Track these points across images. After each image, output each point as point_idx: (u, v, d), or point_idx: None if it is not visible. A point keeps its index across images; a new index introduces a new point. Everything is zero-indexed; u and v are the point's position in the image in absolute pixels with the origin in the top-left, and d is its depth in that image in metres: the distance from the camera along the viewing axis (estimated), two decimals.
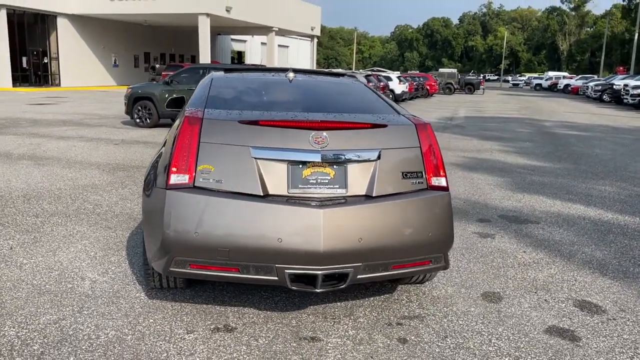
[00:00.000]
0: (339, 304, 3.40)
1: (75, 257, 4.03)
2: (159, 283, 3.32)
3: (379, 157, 2.95)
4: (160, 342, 2.82)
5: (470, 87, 44.26)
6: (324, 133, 2.88)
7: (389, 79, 28.21)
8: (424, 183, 3.04)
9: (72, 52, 32.30)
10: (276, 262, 2.73)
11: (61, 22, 31.71)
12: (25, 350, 2.67)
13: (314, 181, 2.85)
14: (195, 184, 2.80)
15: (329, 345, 2.88)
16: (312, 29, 42.49)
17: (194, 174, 2.81)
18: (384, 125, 3.05)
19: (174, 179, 2.80)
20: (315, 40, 45.38)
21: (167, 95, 13.28)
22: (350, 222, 2.76)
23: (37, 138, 10.59)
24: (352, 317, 3.22)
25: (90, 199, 5.81)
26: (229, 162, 2.81)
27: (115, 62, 35.94)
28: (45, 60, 31.81)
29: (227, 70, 4.28)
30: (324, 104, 3.47)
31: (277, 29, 37.03)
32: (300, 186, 2.84)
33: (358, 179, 2.90)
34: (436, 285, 3.80)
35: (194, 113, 3.00)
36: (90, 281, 3.58)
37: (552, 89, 53.68)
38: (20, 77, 30.27)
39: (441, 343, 2.96)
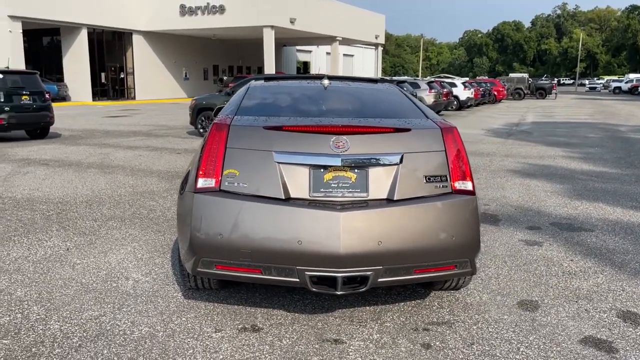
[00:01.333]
0: (367, 307, 3.42)
1: (123, 258, 4.27)
2: (194, 283, 3.47)
3: (401, 161, 2.95)
4: (189, 340, 2.94)
5: (541, 92, 42.64)
6: (345, 137, 2.92)
7: (453, 85, 27.71)
8: (448, 187, 3.01)
9: (146, 67, 33.98)
10: (297, 264, 2.79)
11: (136, 39, 33.46)
12: (65, 343, 2.88)
13: (336, 185, 2.90)
14: (221, 188, 2.92)
15: (351, 347, 2.91)
16: (376, 37, 42.48)
17: (220, 178, 2.93)
18: (408, 130, 3.05)
19: (202, 182, 2.94)
20: (380, 48, 45.31)
21: None
22: (370, 225, 2.79)
23: (107, 148, 11.23)
24: (379, 321, 3.23)
25: (146, 204, 6.12)
26: (253, 166, 2.91)
27: (185, 76, 37.45)
28: (122, 75, 33.65)
29: (267, 79, 4.41)
30: (353, 109, 3.52)
31: (340, 39, 37.32)
32: (321, 190, 2.89)
33: (380, 183, 2.92)
34: (471, 292, 3.72)
35: (222, 120, 3.13)
36: (133, 281, 3.78)
37: (633, 92, 50.78)
38: (99, 91, 32.17)
39: (466, 350, 2.91)
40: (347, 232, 2.75)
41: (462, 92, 28.02)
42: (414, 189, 2.94)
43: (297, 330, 3.09)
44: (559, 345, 2.97)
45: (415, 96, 18.93)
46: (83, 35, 30.14)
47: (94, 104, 29.51)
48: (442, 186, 3.00)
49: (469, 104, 28.82)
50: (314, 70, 51.06)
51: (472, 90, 28.79)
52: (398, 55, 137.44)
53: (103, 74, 32.52)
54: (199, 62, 38.33)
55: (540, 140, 13.87)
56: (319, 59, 51.66)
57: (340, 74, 47.00)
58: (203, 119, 14.05)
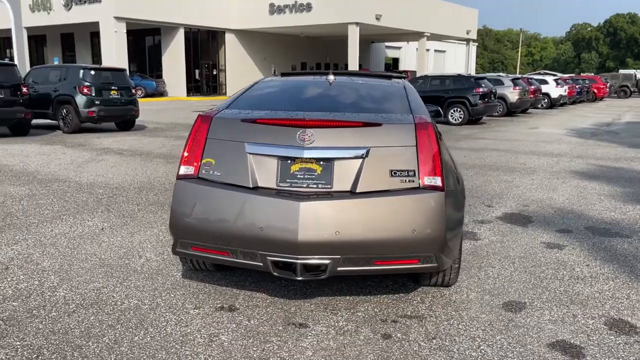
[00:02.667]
0: (347, 297, 3.52)
1: (146, 239, 4.65)
2: (191, 264, 3.75)
3: (366, 155, 3.03)
4: (167, 313, 3.22)
5: None
6: (311, 131, 3.05)
7: (544, 82, 26.36)
8: (416, 182, 3.04)
9: (237, 64, 35.41)
10: (259, 249, 2.96)
11: (229, 37, 34.95)
12: (62, 308, 3.25)
13: (301, 176, 3.03)
14: (199, 176, 3.16)
15: (312, 332, 3.04)
16: (467, 33, 41.25)
17: (199, 166, 3.17)
18: (378, 124, 3.12)
19: (183, 170, 3.19)
20: (472, 44, 43.96)
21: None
22: (328, 215, 2.90)
23: (182, 140, 11.97)
24: (351, 311, 3.32)
25: None
26: (227, 156, 3.12)
27: (274, 72, 38.58)
28: (215, 72, 35.32)
29: (283, 74, 4.63)
30: (341, 104, 3.62)
31: (428, 34, 36.67)
32: (288, 180, 3.04)
33: (344, 175, 3.02)
34: (461, 289, 3.70)
35: (208, 113, 3.37)
36: (145, 259, 4.14)
37: None
38: (193, 87, 34.02)
39: (424, 343, 2.94)
40: (305, 221, 2.88)
41: (554, 90, 26.60)
42: (378, 183, 3.01)
43: (269, 312, 3.27)
44: (523, 347, 2.92)
45: (494, 93, 18.27)
46: (180, 35, 31.98)
47: (187, 99, 31.27)
48: (409, 181, 3.04)
49: (561, 102, 27.30)
50: (402, 66, 50.56)
51: (565, 87, 27.22)
52: (497, 50, 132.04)
53: (197, 71, 34.32)
54: (287, 59, 39.28)
55: (625, 141, 12.96)
56: (408, 55, 51.06)
57: (430, 70, 46.15)
58: None
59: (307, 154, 3.01)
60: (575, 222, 5.52)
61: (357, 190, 2.99)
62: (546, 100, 26.50)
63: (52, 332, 2.94)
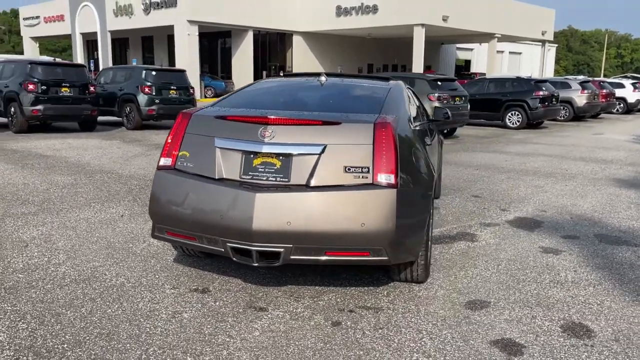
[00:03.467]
0: (315, 287, 3.71)
1: None
2: (181, 249, 4.07)
3: (323, 151, 3.21)
4: (145, 292, 3.54)
5: None
6: (272, 127, 3.27)
7: (620, 85, 25.00)
8: (369, 178, 3.19)
9: (303, 65, 36.01)
10: (220, 236, 3.22)
11: (296, 39, 35.64)
12: (58, 282, 3.66)
13: (262, 170, 3.26)
14: (175, 167, 3.46)
15: (267, 315, 3.25)
16: (542, 34, 39.69)
17: (176, 158, 3.47)
18: (337, 123, 3.29)
19: (162, 161, 3.51)
20: (547, 45, 42.26)
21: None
22: (281, 206, 3.11)
23: None
24: (315, 299, 3.51)
25: None
26: (199, 150, 3.40)
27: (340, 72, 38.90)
28: (282, 74, 36.12)
29: (286, 75, 4.89)
30: (318, 103, 3.82)
31: (499, 36, 35.66)
32: (250, 173, 3.28)
33: (300, 170, 3.21)
34: (432, 286, 3.79)
35: (190, 110, 3.67)
36: (147, 244, 4.51)
37: None
38: None
39: (369, 332, 3.08)
40: (259, 211, 3.11)
41: (631, 94, 25.18)
42: (332, 178, 3.18)
43: (237, 296, 3.52)
44: (465, 342, 3.00)
45: (556, 97, 17.60)
46: (249, 37, 33.00)
47: None
48: (363, 177, 3.19)
49: (638, 106, 25.77)
50: (474, 68, 49.36)
51: None
52: (583, 52, 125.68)
53: (264, 72, 35.25)
54: (354, 60, 39.47)
55: None
56: (481, 57, 49.79)
57: (504, 72, 44.75)
58: None
59: (266, 149, 3.24)
60: (588, 229, 5.38)
61: (311, 184, 3.17)
62: (622, 105, 25.13)
63: (40, 301, 3.34)
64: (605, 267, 4.28)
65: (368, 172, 3.20)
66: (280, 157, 3.25)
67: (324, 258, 3.20)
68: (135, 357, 2.73)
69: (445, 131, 14.42)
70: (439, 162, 6.16)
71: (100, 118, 14.13)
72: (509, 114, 17.10)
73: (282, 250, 3.15)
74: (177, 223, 3.37)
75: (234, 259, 3.27)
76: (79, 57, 38.19)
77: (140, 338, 2.92)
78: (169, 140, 3.53)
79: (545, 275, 4.06)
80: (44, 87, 12.12)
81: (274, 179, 3.24)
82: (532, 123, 17.20)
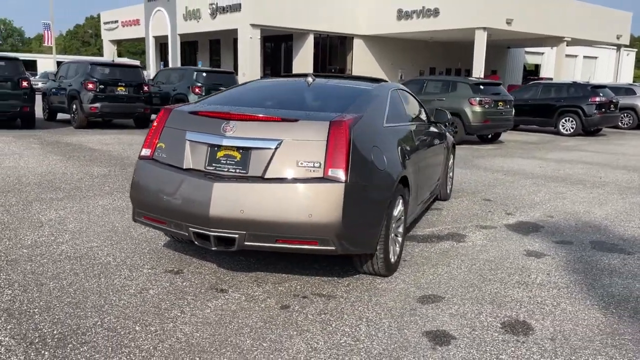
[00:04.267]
0: (282, 274, 3.94)
1: None
2: (171, 236, 4.42)
3: (278, 146, 3.44)
4: (124, 270, 3.90)
5: None
6: (234, 123, 3.53)
7: (631, 92, 23.25)
8: (320, 172, 3.38)
9: (363, 69, 36.15)
10: (184, 221, 3.52)
11: (356, 43, 35.84)
12: (54, 257, 4.09)
13: (225, 161, 3.53)
14: (153, 157, 3.80)
15: (224, 296, 3.52)
16: (617, 38, 37.76)
17: (154, 149, 3.81)
18: (295, 120, 3.50)
19: (143, 152, 3.86)
20: (623, 50, 40.16)
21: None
22: (235, 195, 3.37)
23: None
24: (276, 284, 3.74)
25: None
26: (173, 142, 3.72)
27: (401, 77, 38.68)
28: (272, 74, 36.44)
29: (282, 75, 5.17)
30: (294, 102, 4.06)
31: (569, 39, 34.27)
32: (213, 164, 3.55)
33: (257, 163, 3.45)
34: (395, 280, 3.93)
35: (171, 106, 4.00)
36: (145, 230, 4.90)
37: None
38: None
39: (311, 316, 3.28)
40: (216, 199, 3.38)
41: None
42: (285, 171, 3.40)
43: (205, 278, 3.81)
44: (399, 331, 3.13)
45: (615, 103, 16.81)
46: (310, 41, 33.55)
47: None
48: (314, 171, 3.39)
49: None
50: (544, 73, 47.62)
51: None
52: None
53: None
54: (415, 64, 39.16)
55: None
56: (551, 61, 47.96)
57: (576, 78, 42.92)
58: None
59: (226, 142, 3.51)
60: (587, 235, 5.29)
61: (266, 176, 3.41)
62: (632, 117, 23.43)
63: (31, 273, 3.78)
64: (583, 272, 4.24)
65: (320, 167, 3.39)
66: (240, 150, 3.51)
67: (276, 245, 3.43)
68: (91, 323, 3.07)
69: (490, 136, 14.21)
70: (444, 164, 6.21)
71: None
72: (563, 120, 16.55)
73: (236, 236, 3.41)
74: (151, 208, 3.70)
75: (196, 242, 3.56)
76: (152, 59, 40.23)
77: (103, 308, 3.27)
78: (150, 133, 3.88)
79: (514, 277, 4.09)
80: (102, 86, 13.03)
81: (234, 171, 3.50)
82: (588, 130, 16.55)
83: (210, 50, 41.95)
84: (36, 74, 38.47)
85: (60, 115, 15.23)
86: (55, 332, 2.95)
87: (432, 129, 5.83)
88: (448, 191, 6.66)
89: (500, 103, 13.08)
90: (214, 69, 15.64)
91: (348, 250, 3.48)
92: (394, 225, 4.07)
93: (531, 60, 48.29)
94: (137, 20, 41.82)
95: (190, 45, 43.61)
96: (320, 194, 3.34)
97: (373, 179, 3.63)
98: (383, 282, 3.88)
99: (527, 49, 46.15)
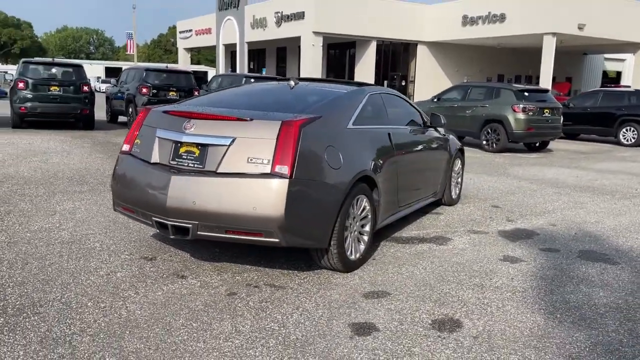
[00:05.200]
0: (247, 265, 4.17)
1: None
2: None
3: (232, 143, 3.68)
4: (104, 254, 4.28)
5: None
6: (194, 121, 3.81)
7: None
8: (268, 168, 3.59)
9: (426, 75, 35.82)
10: (148, 211, 3.84)
11: (420, 49, 35.57)
12: (49, 241, 4.53)
13: (186, 157, 3.81)
14: (131, 152, 4.15)
15: (181, 282, 3.80)
16: None
17: (132, 145, 4.16)
18: (250, 119, 3.73)
19: (124, 147, 4.22)
20: None
21: (433, 112, 14.27)
22: (189, 188, 3.64)
23: None
24: (235, 274, 3.98)
25: None
26: (147, 138, 4.06)
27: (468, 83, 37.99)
28: (404, 83, 36.25)
29: (279, 80, 5.42)
30: (264, 103, 4.29)
31: None
32: (176, 159, 3.85)
33: (213, 158, 3.71)
34: (352, 276, 4.05)
35: (150, 106, 4.35)
36: None
37: None
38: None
39: (252, 304, 3.48)
40: (172, 191, 3.67)
41: None
42: (236, 166, 3.63)
43: (172, 265, 4.11)
44: (328, 321, 3.28)
45: None
46: (372, 48, 33.69)
47: None
48: (263, 167, 3.60)
49: None
50: (626, 81, 45.01)
51: None
52: None
53: (385, 82, 35.67)
54: (483, 71, 38.26)
55: None
56: (632, 68, 45.29)
57: None
58: None
59: (186, 138, 3.79)
60: (580, 245, 5.15)
61: (218, 171, 3.66)
62: None
63: (23, 253, 4.23)
64: (550, 279, 4.17)
65: (268, 163, 3.60)
66: (199, 147, 3.78)
67: (226, 236, 3.67)
68: (52, 298, 3.43)
69: (537, 144, 13.78)
70: (446, 169, 6.21)
71: None
72: (624, 130, 15.73)
73: (190, 226, 3.68)
74: (125, 199, 4.05)
75: (158, 231, 3.87)
76: (221, 65, 41.79)
77: (69, 286, 3.63)
78: (131, 130, 4.24)
79: (475, 279, 4.10)
80: (154, 91, 13.84)
81: (192, 165, 3.78)
82: None
83: (277, 58, 43.03)
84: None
85: (120, 118, 16.28)
86: (18, 303, 3.34)
87: (431, 133, 5.87)
88: (454, 196, 6.63)
89: (546, 110, 12.67)
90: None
91: (293, 243, 3.66)
92: (358, 224, 4.21)
93: (611, 67, 45.87)
94: (209, 29, 43.64)
95: (259, 53, 44.95)
96: (265, 188, 3.54)
97: (323, 176, 3.79)
98: (340, 278, 4.02)
99: (607, 55, 43.89)
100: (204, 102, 4.48)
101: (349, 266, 4.11)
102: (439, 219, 5.99)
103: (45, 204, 5.79)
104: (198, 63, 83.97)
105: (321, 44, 32.27)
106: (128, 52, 57.49)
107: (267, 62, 44.31)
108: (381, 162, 4.53)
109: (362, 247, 4.31)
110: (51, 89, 12.73)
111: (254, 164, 3.62)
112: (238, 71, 38.62)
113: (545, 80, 28.87)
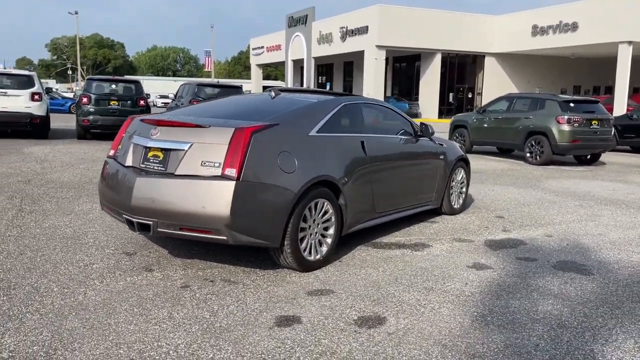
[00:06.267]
0: (215, 263, 4.47)
1: None
2: None
3: (189, 148, 4.01)
4: (92, 249, 4.73)
5: None
6: (159, 128, 4.19)
7: None
8: (219, 171, 3.89)
9: (495, 87, 34.96)
10: (119, 209, 4.25)
11: (488, 61, 34.84)
12: (52, 236, 5.07)
13: (153, 160, 4.19)
14: (115, 156, 4.60)
15: (146, 275, 4.16)
16: None
17: (116, 150, 4.61)
18: (206, 126, 4.06)
19: (110, 152, 4.68)
20: None
21: (477, 123, 14.08)
22: (150, 188, 4.01)
23: None
24: (201, 270, 4.29)
25: None
26: (126, 144, 4.49)
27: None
28: (470, 96, 35.57)
29: (266, 89, 5.74)
30: (235, 113, 4.60)
31: None
32: (145, 162, 4.24)
33: (173, 161, 4.06)
34: (308, 276, 4.25)
35: (136, 115, 4.79)
36: None
37: None
38: (445, 110, 34.99)
39: (198, 295, 3.78)
40: (136, 191, 4.05)
41: None
42: (191, 169, 3.96)
43: (146, 260, 4.49)
44: (258, 312, 3.50)
45: None
46: (437, 60, 33.44)
47: (438, 121, 32.40)
48: (214, 169, 3.90)
49: None
50: None
51: None
52: None
53: (451, 94, 35.19)
54: (555, 82, 36.80)
55: None
56: None
57: None
58: (457, 135, 14.76)
59: (151, 144, 4.17)
60: (563, 256, 5.05)
61: (176, 173, 4.01)
62: None
63: (25, 246, 4.77)
64: (506, 286, 4.17)
65: (219, 166, 3.91)
66: (163, 151, 4.16)
67: (181, 233, 4.00)
68: (26, 282, 3.90)
69: (587, 157, 13.21)
70: (440, 179, 6.23)
71: None
72: None
73: (151, 223, 4.04)
74: (106, 199, 4.50)
75: (128, 227, 4.27)
76: (290, 80, 42.90)
77: (47, 274, 4.10)
78: (117, 137, 4.70)
79: (428, 283, 4.17)
80: None
81: (157, 168, 4.15)
82: None
83: (344, 72, 43.61)
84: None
85: None
86: None
87: (422, 142, 5.95)
88: (456, 206, 6.62)
89: (594, 122, 12.15)
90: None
91: (241, 241, 3.93)
92: (319, 226, 4.41)
93: None
94: (279, 45, 45.02)
95: (327, 67, 45.76)
96: (214, 189, 3.85)
97: (274, 179, 4.02)
98: (296, 277, 4.23)
99: None
100: (184, 111, 4.88)
101: (306, 266, 4.31)
102: (431, 226, 6.03)
103: (67, 205, 6.41)
104: (275, 78, 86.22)
105: (384, 57, 32.45)
106: (205, 69, 60.18)
107: (335, 76, 45.00)
108: (350, 168, 4.70)
109: (325, 249, 4.49)
110: (111, 103, 13.81)
111: (207, 167, 3.94)
112: (304, 85, 39.52)
113: (621, 91, 27.51)
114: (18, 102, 13.08)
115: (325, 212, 4.47)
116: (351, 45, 34.49)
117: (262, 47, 48.83)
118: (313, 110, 4.68)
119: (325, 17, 38.14)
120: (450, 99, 35.02)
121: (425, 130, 6.01)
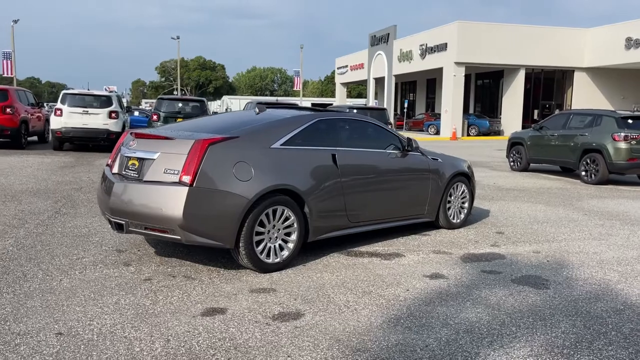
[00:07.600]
0: (187, 261, 4.96)
1: None
2: None
3: (157, 157, 4.54)
4: (90, 245, 5.39)
5: None
6: (137, 140, 4.76)
7: None
8: (177, 178, 4.38)
9: (585, 103, 33.11)
10: (104, 210, 4.86)
11: (578, 76, 33.14)
12: (55, 233, 5.81)
13: (131, 168, 4.77)
14: (110, 165, 5.25)
15: (121, 269, 4.72)
16: None
17: (113, 160, 5.26)
18: (172, 138, 4.58)
19: (108, 161, 5.35)
20: None
21: (533, 140, 13.68)
22: (123, 192, 4.58)
23: None
24: (172, 267, 4.79)
25: None
26: (118, 153, 5.12)
27: (634, 111, 34.20)
28: (557, 112, 33.94)
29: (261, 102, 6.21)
30: (213, 127, 5.07)
31: None
32: (126, 170, 4.82)
33: (145, 169, 4.60)
34: (263, 277, 4.61)
35: (132, 129, 5.42)
36: None
37: None
38: (530, 127, 33.59)
39: (153, 287, 4.27)
40: (113, 195, 4.65)
41: None
42: (156, 175, 4.48)
43: (130, 257, 5.06)
44: (192, 305, 3.92)
45: None
46: (520, 76, 32.37)
47: None
48: (174, 176, 4.40)
49: None
50: None
51: None
52: None
53: (536, 111, 33.79)
54: None
55: None
56: None
57: None
58: (514, 152, 14.39)
59: (129, 153, 4.76)
60: (533, 271, 5.01)
61: (144, 179, 4.55)
62: None
63: (35, 239, 5.53)
64: (445, 294, 4.27)
65: (177, 173, 4.41)
66: (139, 160, 4.73)
67: (146, 232, 4.53)
68: (20, 270, 4.59)
69: None
70: (433, 193, 6.31)
71: None
72: None
73: (124, 222, 4.61)
74: (98, 202, 5.15)
75: (110, 227, 4.87)
76: (371, 97, 43.31)
77: (41, 264, 4.77)
78: (114, 149, 5.36)
79: (371, 288, 4.38)
80: None
81: (132, 175, 4.73)
82: None
83: (427, 89, 43.30)
84: None
85: None
86: None
87: (411, 157, 6.10)
88: (455, 220, 6.65)
89: None
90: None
91: (194, 241, 4.38)
92: (280, 232, 4.76)
93: None
94: (362, 64, 45.65)
95: (409, 85, 45.69)
96: (170, 193, 4.35)
97: (228, 186, 4.44)
98: (251, 276, 4.60)
99: None
100: (173, 125, 5.45)
101: (264, 268, 4.67)
102: (420, 238, 6.14)
103: (92, 210, 7.23)
104: (359, 96, 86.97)
105: (463, 74, 31.98)
106: (295, 88, 62.14)
107: (418, 93, 44.80)
108: (318, 179, 5.01)
109: (286, 253, 4.83)
110: (177, 120, 14.95)
111: (168, 174, 4.45)
112: (385, 102, 39.76)
113: None
114: (97, 119, 14.57)
115: (287, 219, 4.81)
116: (430, 62, 34.31)
117: (346, 66, 49.71)
118: (280, 125, 5.06)
119: (406, 36, 38.28)
120: (535, 116, 33.61)
121: (409, 145, 6.15)
